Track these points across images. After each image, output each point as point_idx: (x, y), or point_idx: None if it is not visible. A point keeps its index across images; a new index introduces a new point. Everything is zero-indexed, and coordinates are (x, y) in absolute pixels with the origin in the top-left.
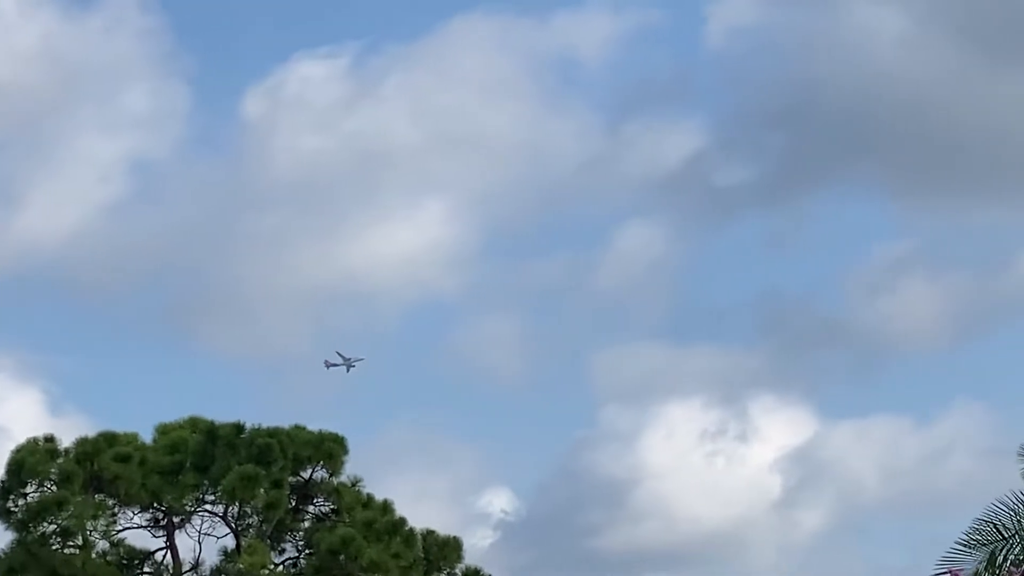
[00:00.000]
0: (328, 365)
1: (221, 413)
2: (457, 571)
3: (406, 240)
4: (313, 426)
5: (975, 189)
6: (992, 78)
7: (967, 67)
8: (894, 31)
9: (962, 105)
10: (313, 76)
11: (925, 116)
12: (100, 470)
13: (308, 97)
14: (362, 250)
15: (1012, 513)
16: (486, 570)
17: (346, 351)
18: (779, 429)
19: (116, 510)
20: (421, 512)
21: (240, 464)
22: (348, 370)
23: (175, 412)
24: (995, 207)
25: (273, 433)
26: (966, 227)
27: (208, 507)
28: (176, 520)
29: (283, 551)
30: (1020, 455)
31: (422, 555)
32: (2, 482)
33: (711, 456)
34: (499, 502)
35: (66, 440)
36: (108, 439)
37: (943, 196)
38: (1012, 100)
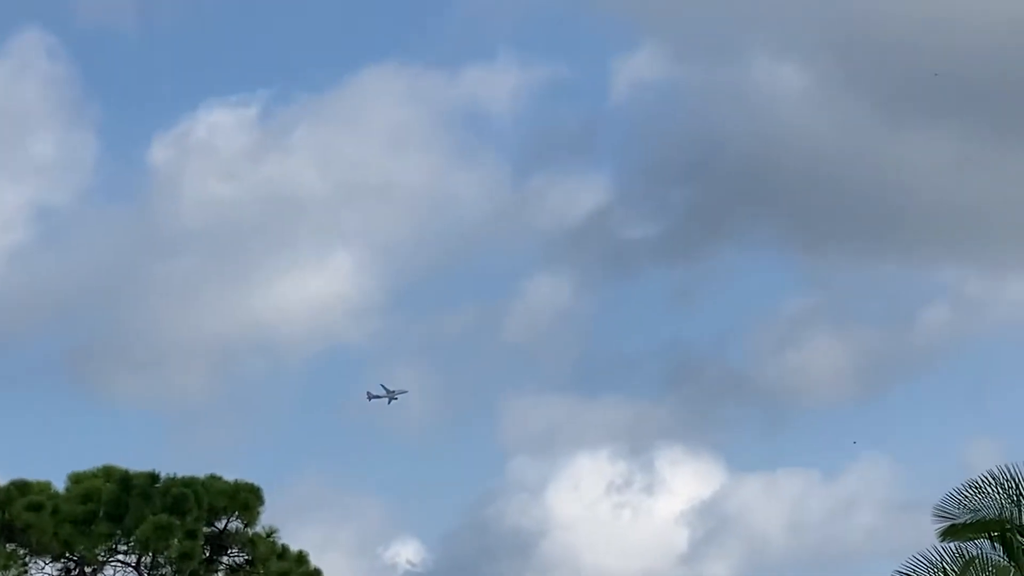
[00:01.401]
0: (370, 397)
1: (134, 461)
2: None
3: (314, 290)
4: (227, 475)
5: (878, 245)
6: (892, 135)
7: (867, 124)
8: (796, 88)
9: (864, 161)
10: (222, 124)
11: (828, 172)
12: (11, 519)
13: (216, 145)
14: (270, 299)
15: (932, 568)
16: None
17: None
18: (686, 481)
19: (27, 560)
20: (328, 563)
21: (154, 514)
22: (390, 402)
23: (87, 460)
24: (898, 263)
25: (188, 482)
26: (870, 282)
27: (121, 557)
28: (88, 570)
29: None
30: (935, 515)
31: None
32: None
33: (618, 508)
34: (406, 553)
35: None
36: (20, 488)
37: (847, 251)
38: (912, 157)
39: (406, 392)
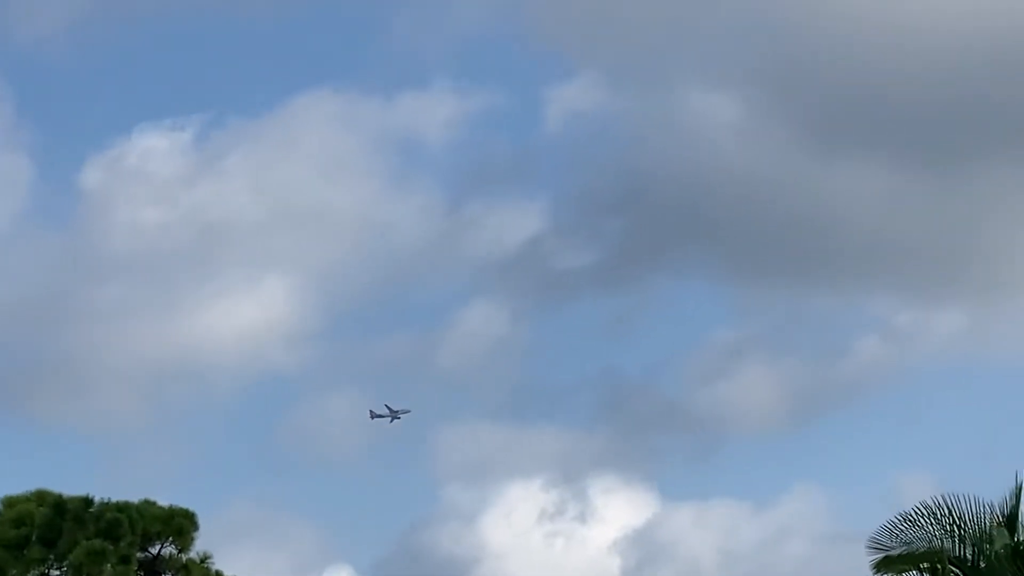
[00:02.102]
0: (373, 416)
1: (68, 486)
2: None
3: (247, 316)
4: (162, 501)
5: (810, 275)
6: (825, 166)
7: (800, 154)
8: (729, 119)
9: (797, 192)
10: (155, 148)
11: (761, 202)
12: None
13: (150, 169)
14: (202, 325)
15: None
16: None
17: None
18: (619, 510)
19: None
20: None
21: (88, 538)
22: (392, 421)
23: (20, 484)
24: (829, 294)
25: (122, 507)
26: (801, 313)
27: None
28: None
29: None
30: (869, 547)
31: None
32: None
33: (551, 536)
34: None
35: None
36: None
37: (779, 282)
38: (844, 188)
39: (409, 412)
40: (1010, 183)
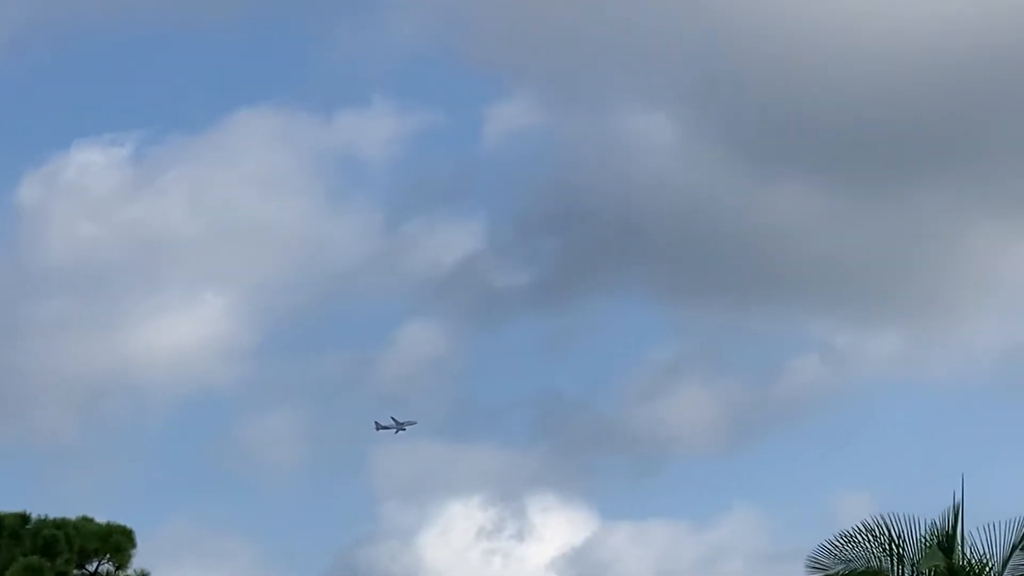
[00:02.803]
0: (379, 427)
1: (5, 502)
2: None
3: (184, 332)
4: (99, 517)
5: (748, 296)
6: (762, 186)
7: (737, 175)
8: (666, 138)
9: (733, 212)
10: (93, 163)
11: (697, 223)
12: None
13: (87, 184)
14: (140, 341)
15: None
16: None
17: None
18: (557, 529)
19: None
20: None
21: (24, 555)
22: (396, 432)
23: None
24: (766, 314)
25: (59, 524)
26: (739, 333)
27: None
28: None
29: None
30: (808, 566)
31: None
32: None
33: (489, 554)
34: None
35: None
36: None
37: (716, 302)
38: (781, 209)
39: (415, 423)
40: (947, 205)
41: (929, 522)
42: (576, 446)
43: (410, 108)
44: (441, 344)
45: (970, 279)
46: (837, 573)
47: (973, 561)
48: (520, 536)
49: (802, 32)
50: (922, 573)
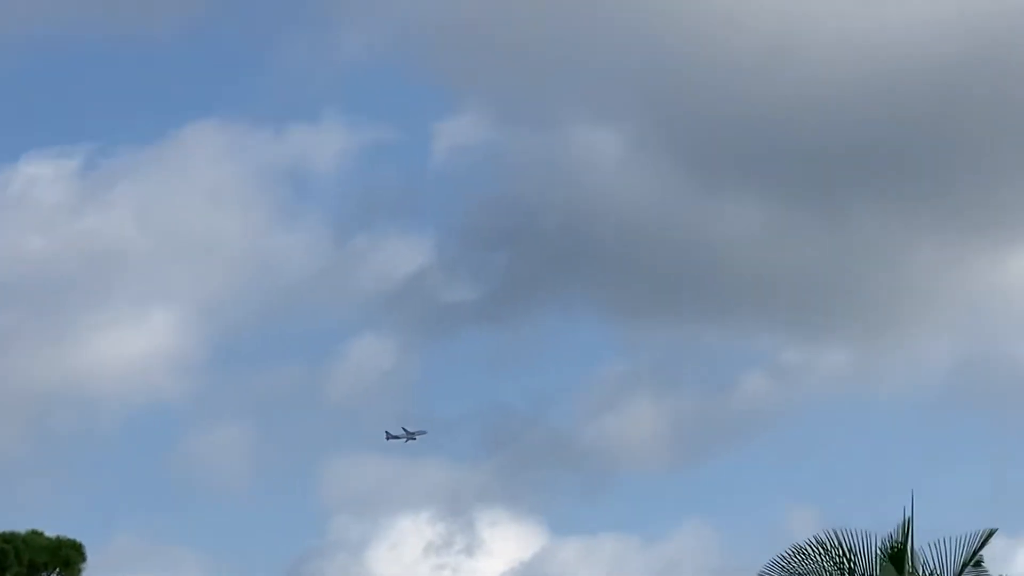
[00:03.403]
0: (389, 437)
1: None
2: None
3: (134, 345)
4: (49, 531)
5: (697, 311)
6: (708, 202)
7: (684, 190)
8: (613, 154)
9: (681, 227)
10: (42, 176)
11: (645, 238)
12: None
13: (36, 197)
14: (89, 354)
15: None
16: None
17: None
18: (506, 543)
19: None
20: None
21: None
22: (406, 441)
23: None
24: (715, 329)
25: (8, 538)
26: (688, 348)
27: None
28: None
29: None
30: None
31: None
32: None
33: (438, 569)
34: None
35: None
36: None
37: (665, 317)
38: (728, 224)
39: (425, 433)
40: (892, 222)
41: (881, 537)
42: (526, 461)
43: (360, 123)
44: (390, 358)
45: (916, 295)
46: None
47: None
48: (469, 551)
49: (748, 50)
50: None
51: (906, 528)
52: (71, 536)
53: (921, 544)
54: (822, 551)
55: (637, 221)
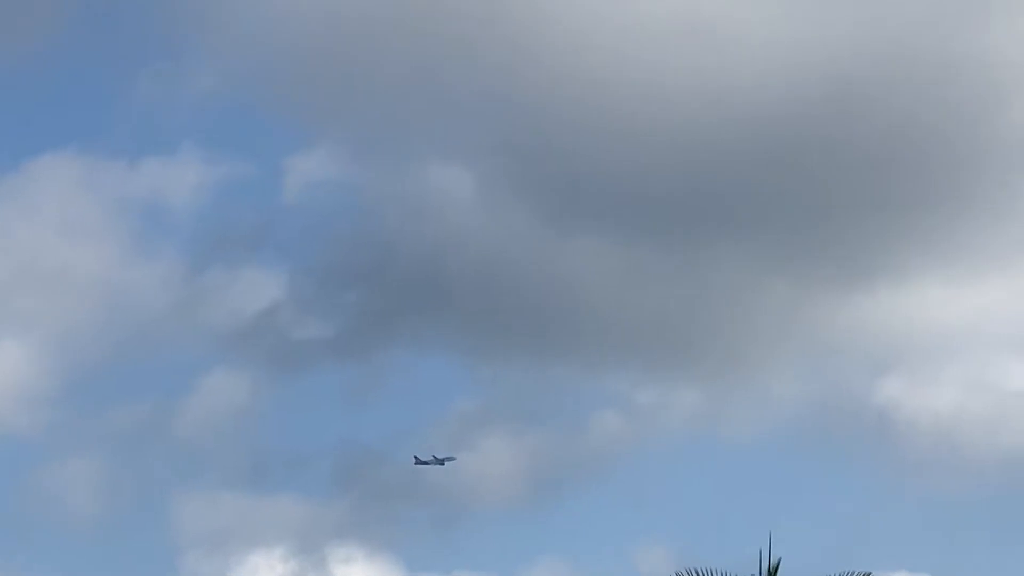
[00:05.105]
0: (418, 462)
1: None
2: None
3: None
4: None
5: (549, 350)
6: (561, 241)
7: (536, 228)
8: (466, 192)
9: (533, 267)
10: None
11: (498, 276)
12: None
13: None
14: None
15: None
16: None
17: None
18: None
19: None
20: None
21: None
22: (432, 467)
23: None
24: (569, 368)
25: None
26: (541, 386)
27: None
28: None
29: None
30: None
31: None
32: None
33: None
34: None
35: None
36: None
37: (518, 355)
38: (581, 263)
39: (454, 459)
40: (745, 262)
41: None
42: (379, 497)
43: (215, 157)
44: (242, 394)
45: (767, 335)
46: None
47: None
48: None
49: (602, 89)
50: None
51: (772, 571)
52: None
53: None
54: None
55: (493, 259)
